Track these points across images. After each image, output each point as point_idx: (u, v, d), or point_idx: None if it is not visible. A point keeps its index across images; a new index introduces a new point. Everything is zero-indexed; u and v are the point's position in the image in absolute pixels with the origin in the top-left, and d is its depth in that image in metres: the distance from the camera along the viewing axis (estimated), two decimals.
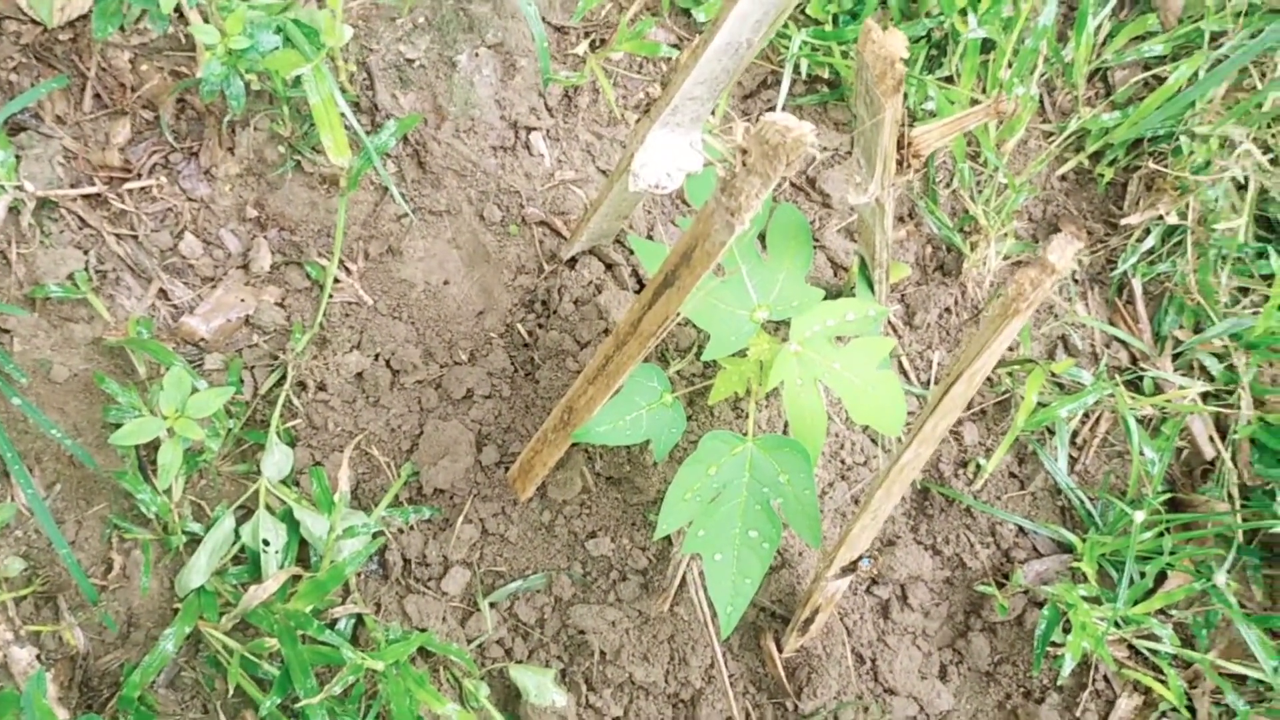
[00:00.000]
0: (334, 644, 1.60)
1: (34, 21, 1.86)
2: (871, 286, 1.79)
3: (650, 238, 2.01)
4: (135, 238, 1.80)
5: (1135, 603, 1.92)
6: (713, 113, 1.82)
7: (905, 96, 2.15)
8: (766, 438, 1.56)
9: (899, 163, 1.40)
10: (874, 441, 2.00)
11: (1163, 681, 1.91)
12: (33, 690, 1.45)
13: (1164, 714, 1.93)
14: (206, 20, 1.78)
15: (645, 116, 1.45)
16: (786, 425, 1.83)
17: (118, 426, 1.69)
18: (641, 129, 1.45)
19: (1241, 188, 2.22)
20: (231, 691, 1.63)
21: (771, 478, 1.53)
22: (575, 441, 1.58)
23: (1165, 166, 2.23)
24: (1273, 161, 2.26)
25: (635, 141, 1.47)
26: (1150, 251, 2.21)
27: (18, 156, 1.76)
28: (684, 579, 1.81)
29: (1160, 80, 2.30)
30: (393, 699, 1.56)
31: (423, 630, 1.71)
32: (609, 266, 1.96)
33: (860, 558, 1.60)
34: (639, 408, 1.58)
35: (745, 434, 1.56)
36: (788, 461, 1.53)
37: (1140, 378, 2.13)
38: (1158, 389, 2.10)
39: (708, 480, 1.53)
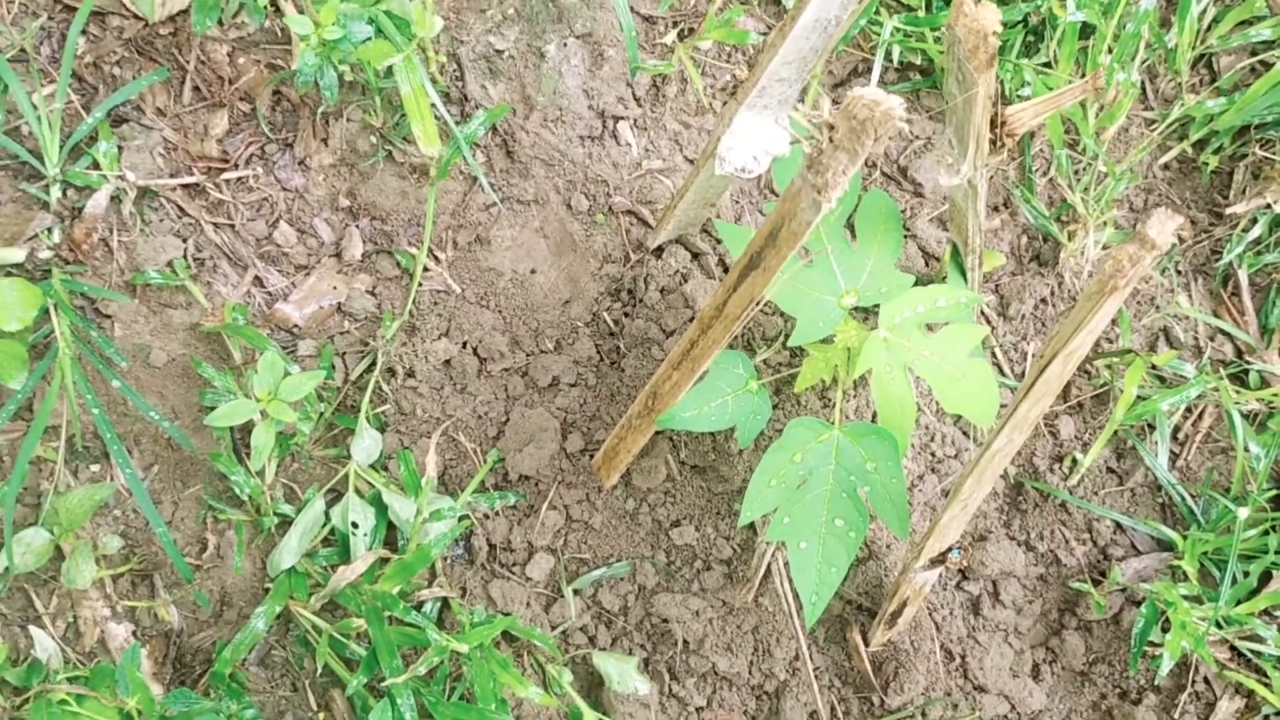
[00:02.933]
0: (420, 625, 1.61)
1: (136, 16, 1.91)
2: (964, 274, 1.76)
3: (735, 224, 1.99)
4: (232, 226, 1.84)
5: (1238, 602, 1.86)
6: (802, 98, 1.80)
7: (1001, 82, 2.11)
8: (854, 425, 1.53)
9: (992, 142, 1.37)
10: (965, 434, 1.96)
11: (1266, 684, 1.84)
12: (127, 664, 1.48)
13: (1267, 717, 1.86)
14: (301, 12, 1.81)
15: (732, 99, 1.44)
16: (875, 414, 1.81)
17: (214, 410, 1.72)
18: (728, 112, 1.44)
19: None
20: (320, 670, 1.65)
21: (859, 466, 1.51)
22: (659, 428, 1.57)
23: (1273, 154, 2.15)
24: None
25: (722, 125, 1.46)
26: (1257, 241, 2.14)
27: (120, 147, 1.82)
28: (769, 569, 1.79)
29: (1267, 66, 2.22)
30: (476, 681, 1.57)
31: (507, 615, 1.72)
32: (695, 255, 1.95)
33: (950, 549, 1.56)
34: (724, 394, 1.57)
35: (832, 422, 1.54)
36: (876, 450, 1.51)
37: (1245, 371, 2.05)
38: (1264, 383, 2.03)
39: (793, 467, 1.51)
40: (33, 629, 1.59)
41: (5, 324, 1.56)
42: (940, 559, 1.57)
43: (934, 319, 1.59)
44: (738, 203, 2.03)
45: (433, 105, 1.80)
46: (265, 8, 1.87)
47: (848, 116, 1.05)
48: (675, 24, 2.08)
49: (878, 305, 1.58)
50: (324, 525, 1.73)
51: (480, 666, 1.58)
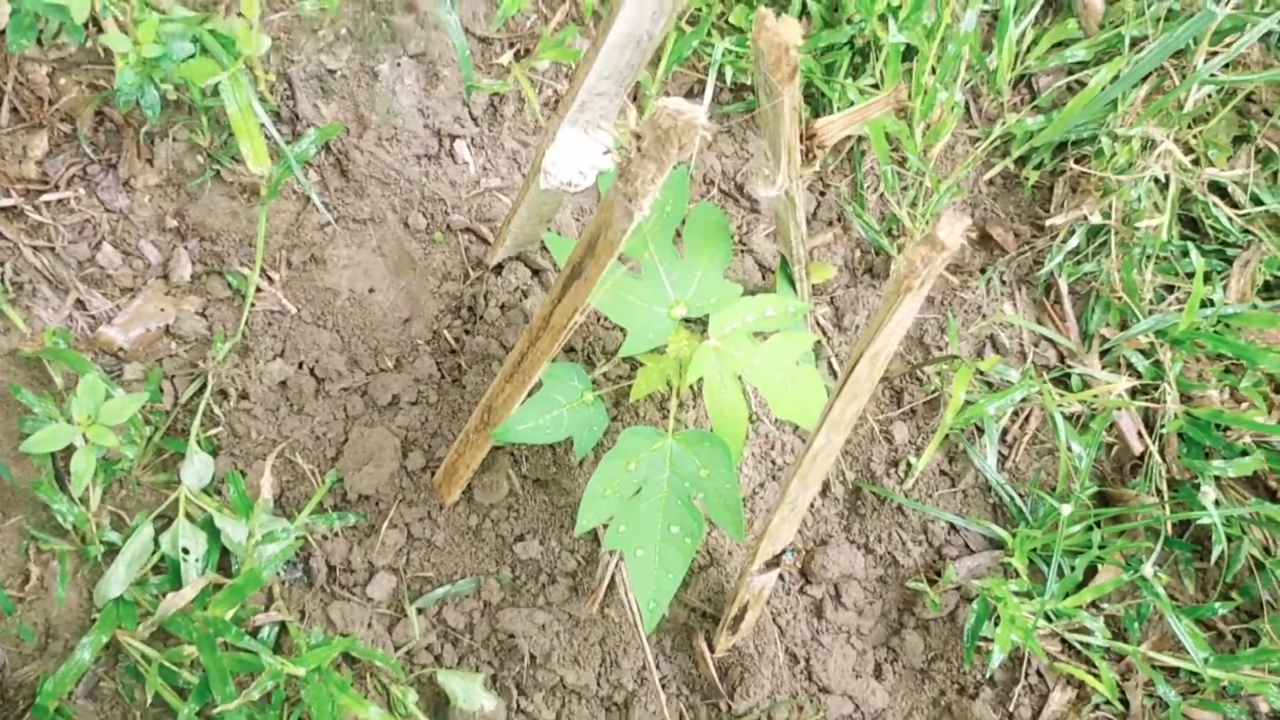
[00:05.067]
0: (254, 650, 1.58)
1: None
2: (793, 284, 1.80)
3: None
4: (53, 249, 1.79)
5: (1066, 596, 1.93)
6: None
7: (825, 97, 2.17)
8: (687, 433, 1.56)
9: (805, 154, 1.41)
10: (804, 441, 2.00)
11: (1095, 675, 1.91)
12: None
13: (1097, 707, 1.94)
14: (125, 32, 1.77)
15: (554, 114, 1.46)
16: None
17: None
18: (551, 126, 1.46)
19: (1163, 187, 2.25)
20: (150, 700, 1.60)
21: (693, 472, 1.53)
22: (495, 441, 1.57)
23: (1089, 168, 2.26)
24: (1194, 161, 2.30)
25: (546, 140, 1.48)
26: (1075, 251, 2.24)
27: None
28: (613, 580, 1.80)
29: (1083, 85, 2.34)
30: (314, 704, 1.54)
31: (347, 636, 1.69)
32: (535, 272, 1.96)
33: (783, 551, 1.60)
34: (559, 405, 1.58)
35: (667, 431, 1.56)
36: (709, 456, 1.53)
37: (1068, 375, 2.15)
38: (1085, 386, 2.12)
39: (628, 476, 1.53)
40: None
41: None
42: (775, 561, 1.60)
43: (764, 328, 1.63)
44: (579, 219, 2.05)
45: (261, 124, 1.78)
46: (85, 28, 1.82)
47: (654, 126, 1.08)
48: (512, 45, 2.10)
49: (708, 315, 1.61)
50: (153, 553, 1.68)
51: (318, 690, 1.55)
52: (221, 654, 1.56)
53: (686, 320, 1.61)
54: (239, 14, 1.81)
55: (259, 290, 1.84)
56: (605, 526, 1.67)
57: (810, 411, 1.59)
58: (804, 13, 2.22)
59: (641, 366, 1.63)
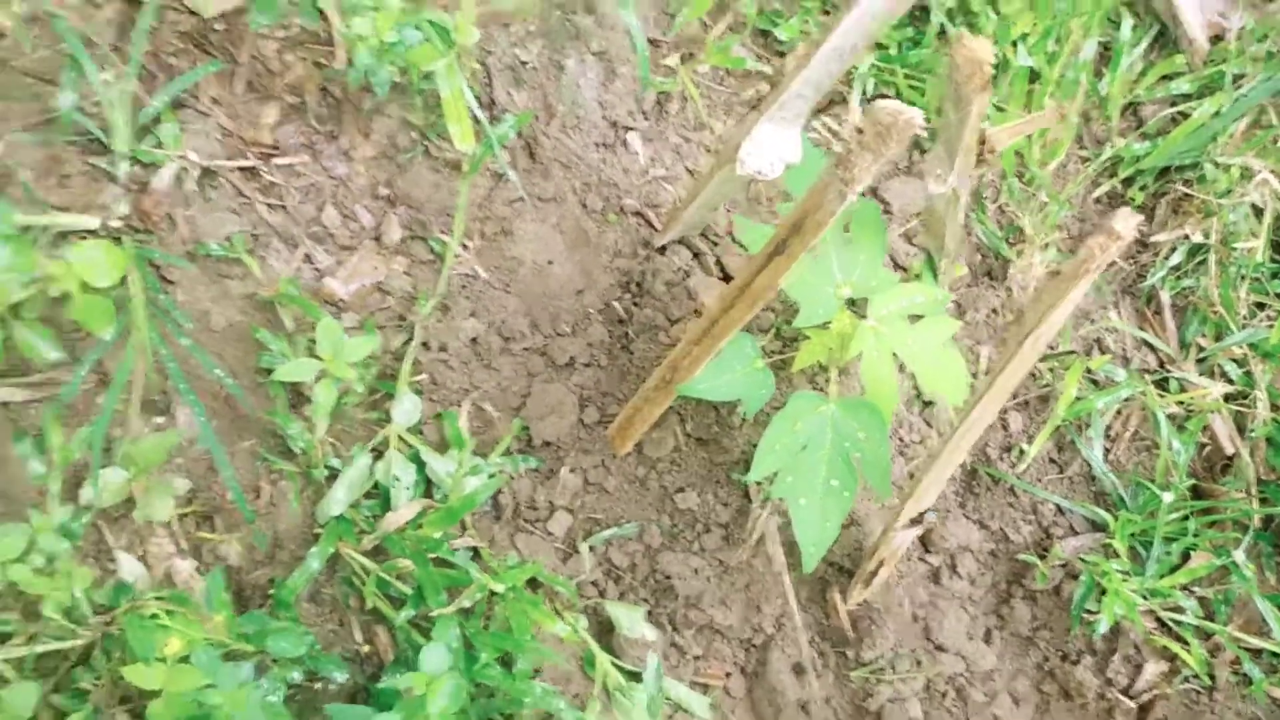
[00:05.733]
0: (461, 565, 1.81)
1: (191, 11, 2.08)
2: (935, 278, 2.02)
3: (729, 232, 2.24)
4: (284, 208, 2.02)
5: (1162, 577, 2.13)
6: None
7: None
8: (847, 399, 1.78)
9: (977, 156, 1.63)
10: (928, 424, 2.21)
11: (1186, 650, 2.11)
12: (213, 584, 1.65)
13: (1186, 679, 2.14)
14: (344, 18, 2.01)
15: (754, 111, 1.68)
16: (860, 393, 2.05)
17: (268, 371, 1.90)
18: (749, 122, 1.68)
19: (1260, 213, 2.45)
20: (366, 607, 1.83)
21: (852, 434, 1.75)
22: (681, 394, 1.79)
23: (1191, 191, 2.47)
24: None
25: (742, 133, 1.70)
26: (1176, 267, 2.45)
27: (182, 130, 1.99)
28: (762, 534, 2.02)
29: (1186, 115, 2.54)
30: (512, 616, 1.77)
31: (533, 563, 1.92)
32: (696, 254, 2.18)
33: (926, 511, 1.81)
34: (735, 370, 1.80)
35: (827, 397, 1.78)
36: (866, 421, 1.75)
37: (1167, 379, 2.35)
38: (1183, 390, 2.33)
39: (794, 434, 1.75)
40: (119, 553, 1.74)
41: (96, 281, 1.72)
42: (918, 519, 1.81)
43: (913, 313, 1.84)
44: (728, 212, 2.27)
45: (468, 108, 2.02)
46: (316, 11, 2.06)
47: (874, 123, 1.30)
48: (678, 48, 2.32)
49: (866, 298, 1.82)
50: (368, 479, 1.91)
51: (515, 604, 1.78)
52: (433, 569, 1.79)
53: (849, 301, 1.83)
54: (445, 9, 2.05)
55: (456, 256, 2.07)
56: (769, 479, 1.88)
57: (953, 387, 1.80)
58: (941, 34, 2.43)
59: (805, 339, 1.84)
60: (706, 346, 1.70)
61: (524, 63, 2.18)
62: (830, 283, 1.83)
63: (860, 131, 1.33)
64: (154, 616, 1.61)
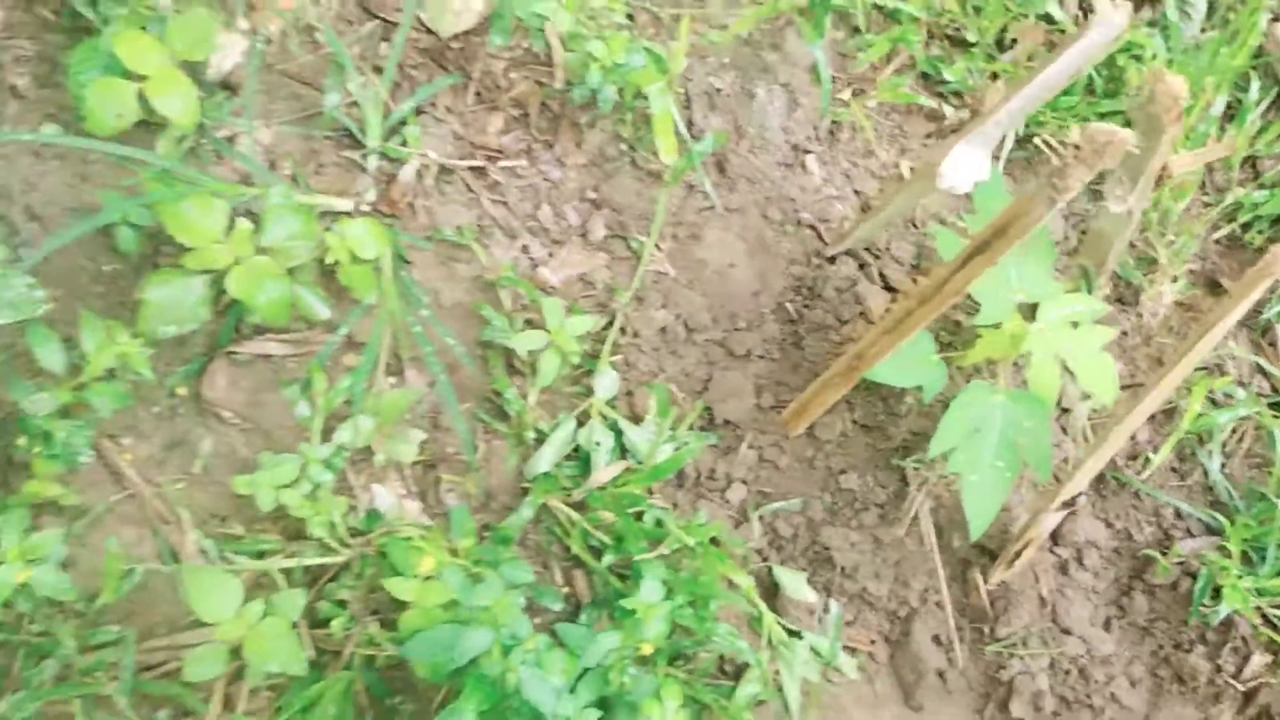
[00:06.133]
0: (660, 520, 2.06)
1: (430, 31, 2.38)
2: (1090, 289, 2.26)
3: (887, 248, 2.49)
4: (506, 204, 2.30)
5: (1272, 578, 2.34)
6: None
7: None
8: (1015, 391, 2.02)
9: (1156, 180, 1.87)
10: (1064, 430, 2.44)
11: None
12: (460, 513, 1.92)
13: None
14: (564, 44, 2.31)
15: (953, 134, 1.94)
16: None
17: (487, 344, 2.18)
18: (948, 143, 1.94)
19: None
20: (568, 554, 2.08)
21: (1018, 422, 1.99)
22: (870, 378, 2.03)
23: None
24: None
25: (940, 154, 1.95)
26: None
27: (422, 132, 2.27)
28: (916, 515, 2.25)
29: None
30: (703, 567, 2.01)
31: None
32: (861, 265, 2.43)
33: (1078, 495, 2.04)
34: (915, 360, 2.05)
35: (997, 388, 2.02)
36: (1031, 411, 1.99)
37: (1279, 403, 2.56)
38: None
39: (967, 419, 1.99)
40: (375, 486, 2.01)
41: (363, 253, 2.00)
42: (1071, 503, 2.04)
43: (1073, 320, 2.08)
44: (889, 228, 2.52)
45: (674, 125, 2.29)
46: (543, 34, 2.35)
47: (1090, 140, 1.55)
48: (850, 84, 2.59)
49: (1035, 304, 2.07)
50: (571, 443, 2.17)
51: (705, 556, 2.02)
52: (634, 521, 2.04)
53: (1021, 306, 2.07)
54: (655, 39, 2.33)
55: (651, 255, 2.34)
56: (943, 457, 2.11)
57: (1107, 388, 2.04)
58: (1089, 88, 2.68)
59: (979, 337, 2.09)
60: (896, 337, 1.95)
61: (719, 90, 2.45)
62: (1008, 288, 2.07)
63: (1077, 148, 1.58)
64: (408, 539, 1.88)
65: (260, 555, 1.94)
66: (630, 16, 2.41)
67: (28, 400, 1.80)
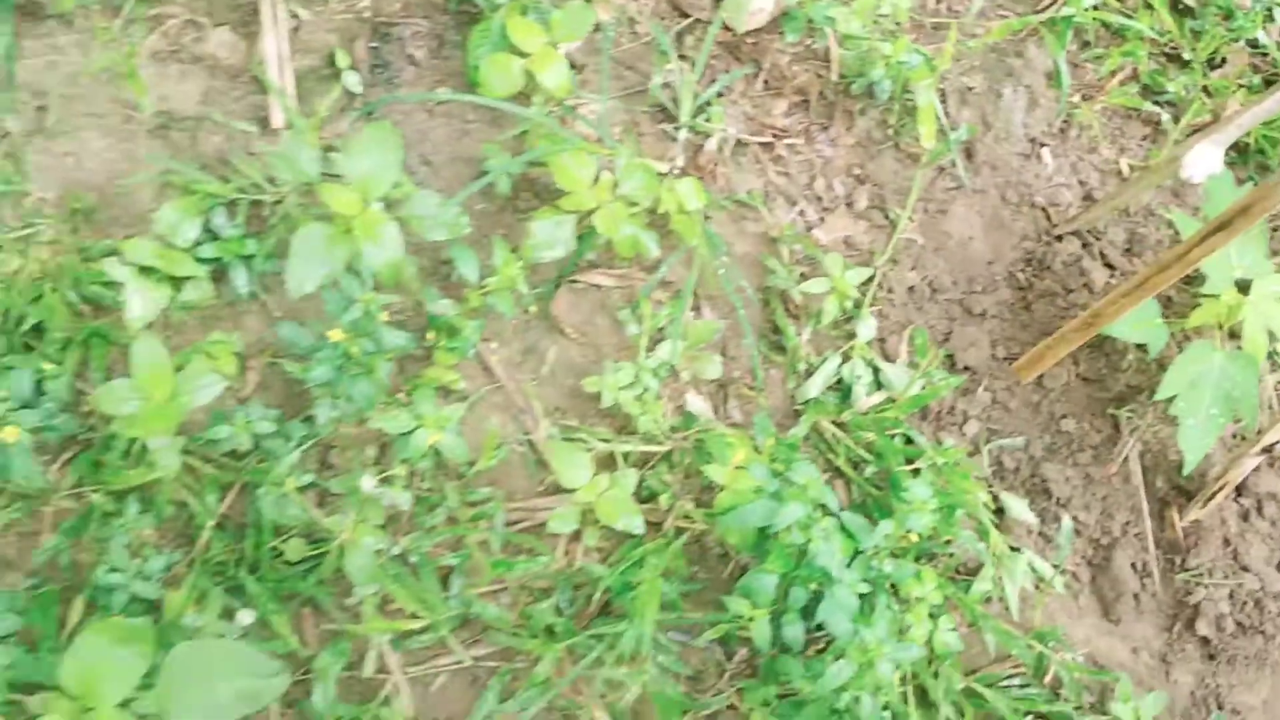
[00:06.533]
0: (912, 440, 2.48)
1: (727, 28, 2.84)
2: None
3: (1105, 231, 2.87)
4: (787, 175, 2.75)
5: None
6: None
7: None
8: (1229, 351, 2.40)
9: None
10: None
11: None
12: (762, 421, 2.37)
13: None
14: (840, 44, 2.74)
15: (1196, 134, 2.32)
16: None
17: (769, 289, 2.62)
18: (1192, 141, 2.32)
19: None
20: (830, 465, 2.52)
21: (1231, 376, 2.37)
22: (1104, 334, 2.43)
23: None
24: None
25: (1183, 151, 2.34)
26: None
27: (723, 111, 2.73)
28: (1126, 458, 2.65)
29: None
30: (951, 481, 2.43)
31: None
32: (1084, 245, 2.83)
33: (1276, 443, 2.41)
34: (1143, 321, 2.44)
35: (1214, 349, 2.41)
36: (1243, 368, 2.37)
37: None
38: None
39: (1190, 372, 2.38)
40: (688, 394, 2.48)
41: (688, 205, 2.46)
42: (1269, 448, 2.41)
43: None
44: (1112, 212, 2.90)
45: (936, 116, 2.71)
46: (826, 34, 2.79)
47: None
48: (1080, 90, 2.98)
49: (1249, 280, 2.44)
50: (834, 376, 2.61)
51: (955, 472, 2.44)
52: (891, 440, 2.47)
53: (1238, 281, 2.45)
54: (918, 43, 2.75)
55: (905, 225, 2.76)
56: (1144, 411, 2.51)
57: None
58: None
59: (1198, 305, 2.47)
60: (1132, 300, 2.34)
61: (970, 88, 2.87)
62: (1228, 265, 2.46)
63: None
64: (722, 435, 2.34)
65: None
66: (897, 23, 2.84)
67: (436, 303, 2.30)
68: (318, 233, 2.07)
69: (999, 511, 2.61)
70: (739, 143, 2.73)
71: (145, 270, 2.22)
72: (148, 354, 2.02)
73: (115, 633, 1.76)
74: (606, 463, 2.39)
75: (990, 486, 2.65)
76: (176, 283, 2.26)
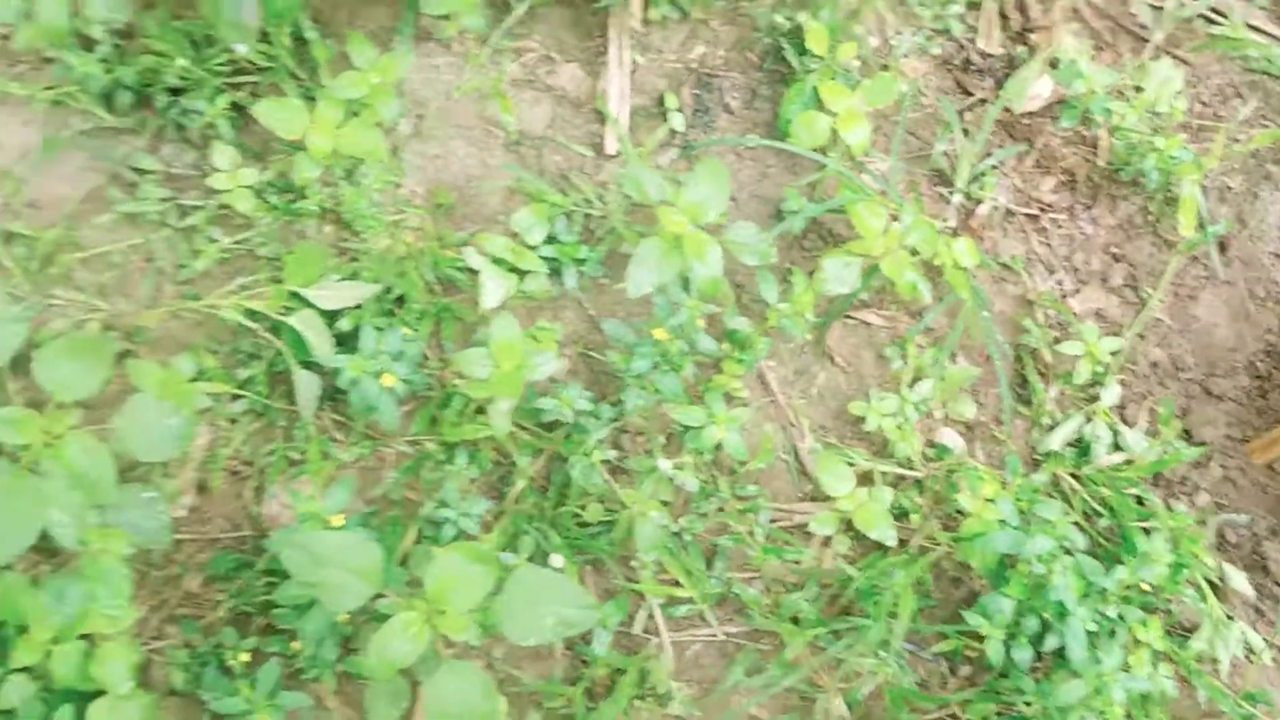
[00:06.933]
0: (1145, 501, 2.69)
1: (1006, 109, 3.11)
2: None
3: None
4: (1049, 246, 3.00)
5: None
6: None
7: None
8: None
9: None
10: None
11: None
12: (1012, 460, 2.62)
13: None
14: (1110, 134, 2.98)
15: None
16: None
17: (1021, 346, 2.87)
18: None
19: None
20: (1071, 512, 2.75)
21: None
22: None
23: None
24: None
25: None
26: None
27: (995, 183, 3.00)
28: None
29: None
30: (1181, 550, 2.62)
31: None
32: None
33: None
34: None
35: None
36: None
37: None
38: None
39: None
40: (943, 429, 2.75)
41: (963, 262, 2.74)
42: None
43: None
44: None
45: (1198, 207, 2.93)
46: (1099, 124, 3.04)
47: None
48: None
49: None
50: (1075, 435, 2.83)
51: (1186, 538, 2.63)
52: (1126, 498, 2.69)
53: None
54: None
55: (1156, 305, 2.98)
56: None
57: None
58: None
59: None
60: None
61: (1229, 188, 3.08)
62: None
63: None
64: (975, 469, 2.60)
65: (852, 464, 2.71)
66: (1169, 121, 3.07)
67: (735, 319, 2.64)
68: (655, 246, 2.43)
69: (1218, 580, 2.79)
70: (1008, 212, 3.00)
71: (497, 260, 2.62)
72: (504, 329, 2.41)
73: (469, 553, 2.12)
74: (863, 480, 2.67)
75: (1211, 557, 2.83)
76: (520, 275, 2.65)
